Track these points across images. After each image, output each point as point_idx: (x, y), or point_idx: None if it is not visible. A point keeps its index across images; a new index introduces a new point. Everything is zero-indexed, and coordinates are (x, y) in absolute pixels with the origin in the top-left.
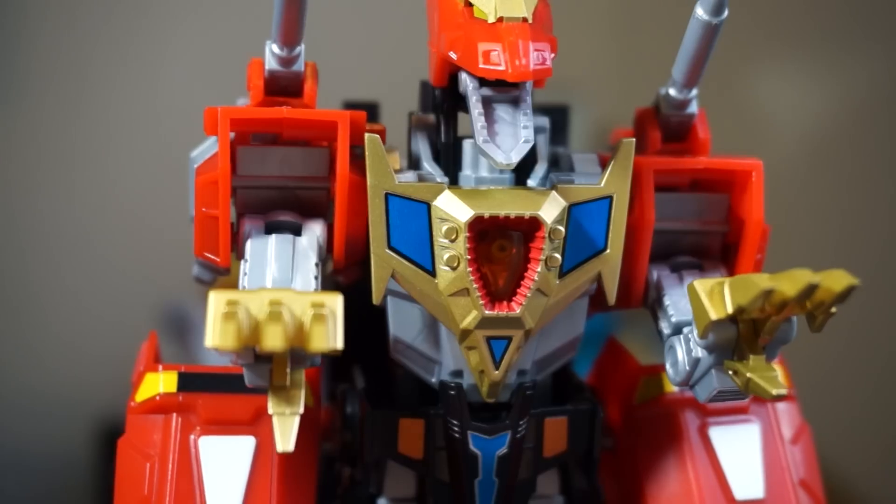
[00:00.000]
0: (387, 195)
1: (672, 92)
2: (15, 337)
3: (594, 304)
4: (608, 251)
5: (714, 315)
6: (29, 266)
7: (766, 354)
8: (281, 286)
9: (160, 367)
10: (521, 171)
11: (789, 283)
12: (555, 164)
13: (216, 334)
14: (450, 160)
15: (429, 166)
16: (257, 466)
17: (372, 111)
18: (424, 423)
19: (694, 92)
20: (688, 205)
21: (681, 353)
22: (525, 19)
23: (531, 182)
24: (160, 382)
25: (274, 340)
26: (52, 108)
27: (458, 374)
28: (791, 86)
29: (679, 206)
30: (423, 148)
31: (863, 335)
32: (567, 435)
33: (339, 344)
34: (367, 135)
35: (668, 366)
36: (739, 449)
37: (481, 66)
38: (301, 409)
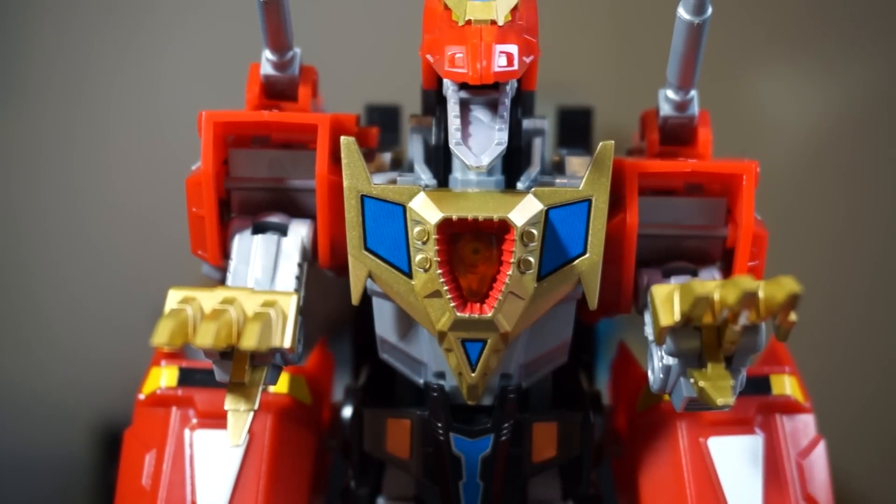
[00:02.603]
0: (362, 197)
1: (669, 93)
2: (15, 338)
3: (599, 310)
4: (587, 255)
5: (663, 321)
6: (29, 267)
7: (734, 364)
8: (262, 286)
9: (163, 361)
10: (514, 174)
11: (730, 290)
12: (558, 167)
13: (155, 331)
14: (440, 162)
15: (419, 169)
16: (248, 460)
17: (393, 114)
18: (410, 424)
19: (692, 93)
20: (685, 209)
21: (656, 360)
22: (493, 21)
23: (521, 185)
24: (162, 377)
25: (204, 338)
26: (52, 110)
27: (441, 375)
28: (793, 88)
29: (676, 210)
30: (416, 150)
31: (863, 337)
32: (557, 441)
33: (281, 342)
34: (342, 138)
35: (648, 372)
36: (739, 461)
37: (446, 68)
38: (255, 407)
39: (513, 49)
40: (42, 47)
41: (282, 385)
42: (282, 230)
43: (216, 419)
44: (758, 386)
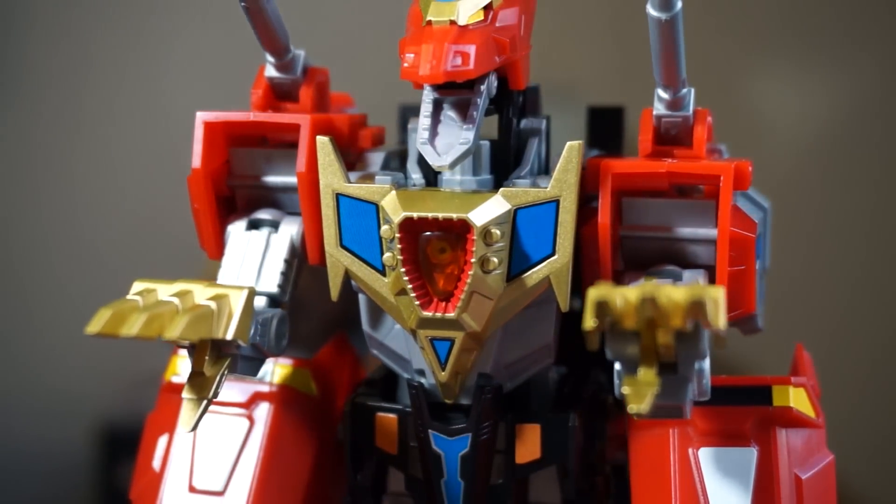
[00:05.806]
0: (337, 195)
1: (660, 92)
2: (15, 338)
3: None
4: (556, 256)
5: (584, 324)
6: (29, 267)
7: (680, 371)
8: (248, 282)
9: (180, 350)
10: (505, 174)
11: (636, 295)
12: None
13: (91, 319)
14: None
15: (411, 168)
16: (246, 447)
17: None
18: (398, 420)
19: (684, 91)
20: (677, 211)
21: (615, 365)
22: (453, 22)
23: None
24: (180, 365)
25: (129, 328)
26: (52, 110)
27: (421, 372)
28: (793, 88)
29: (666, 212)
30: (411, 149)
31: (864, 336)
32: (541, 443)
33: (223, 334)
34: (318, 137)
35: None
36: (729, 474)
37: (403, 67)
38: (208, 396)
39: (469, 49)
40: (43, 47)
41: (284, 376)
42: (275, 226)
43: (220, 406)
44: (757, 396)
